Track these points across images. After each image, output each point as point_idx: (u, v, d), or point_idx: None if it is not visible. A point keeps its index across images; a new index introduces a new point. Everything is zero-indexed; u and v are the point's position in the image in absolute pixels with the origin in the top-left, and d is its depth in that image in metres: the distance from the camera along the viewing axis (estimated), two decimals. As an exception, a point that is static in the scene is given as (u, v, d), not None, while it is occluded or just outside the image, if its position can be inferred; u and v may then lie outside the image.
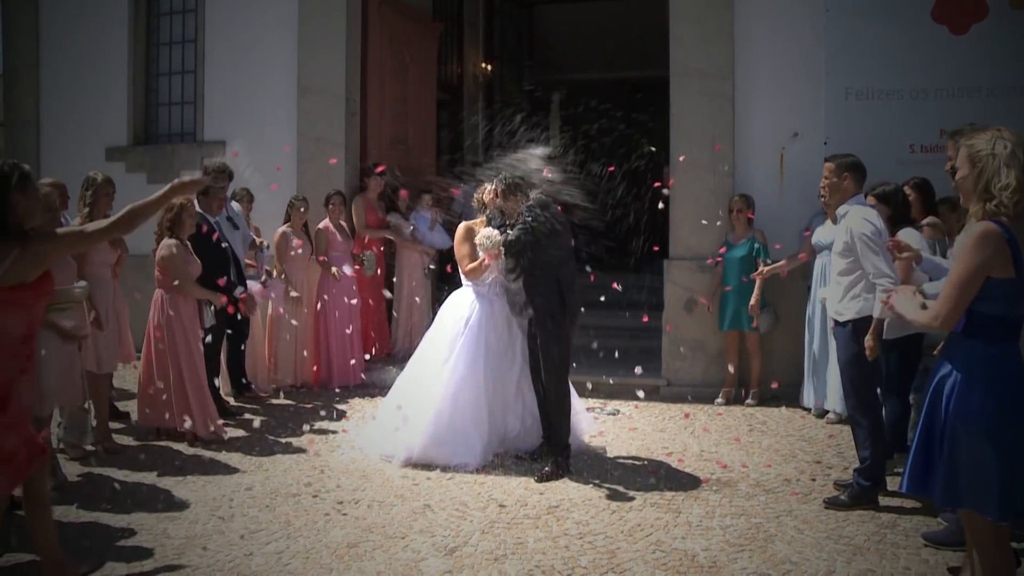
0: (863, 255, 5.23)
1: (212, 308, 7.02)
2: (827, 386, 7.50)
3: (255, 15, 10.20)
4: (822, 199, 6.47)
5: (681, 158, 8.53)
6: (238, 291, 7.36)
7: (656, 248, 7.60)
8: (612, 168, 9.52)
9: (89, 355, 6.27)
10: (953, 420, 3.44)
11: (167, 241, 6.79)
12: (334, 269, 8.85)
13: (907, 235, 5.78)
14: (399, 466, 6.13)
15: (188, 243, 6.95)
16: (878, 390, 5.68)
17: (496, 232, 6.11)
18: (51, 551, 4.14)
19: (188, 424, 6.69)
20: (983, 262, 3.35)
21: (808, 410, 7.78)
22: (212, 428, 6.90)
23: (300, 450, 6.70)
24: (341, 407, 8.08)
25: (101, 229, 4.18)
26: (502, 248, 6.08)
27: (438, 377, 6.24)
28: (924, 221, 6.33)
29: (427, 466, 6.11)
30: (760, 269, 7.81)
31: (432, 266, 10.03)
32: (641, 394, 7.51)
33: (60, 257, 4.12)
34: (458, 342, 6.26)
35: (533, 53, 15.69)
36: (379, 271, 9.45)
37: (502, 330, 6.40)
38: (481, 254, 6.18)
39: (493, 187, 6.35)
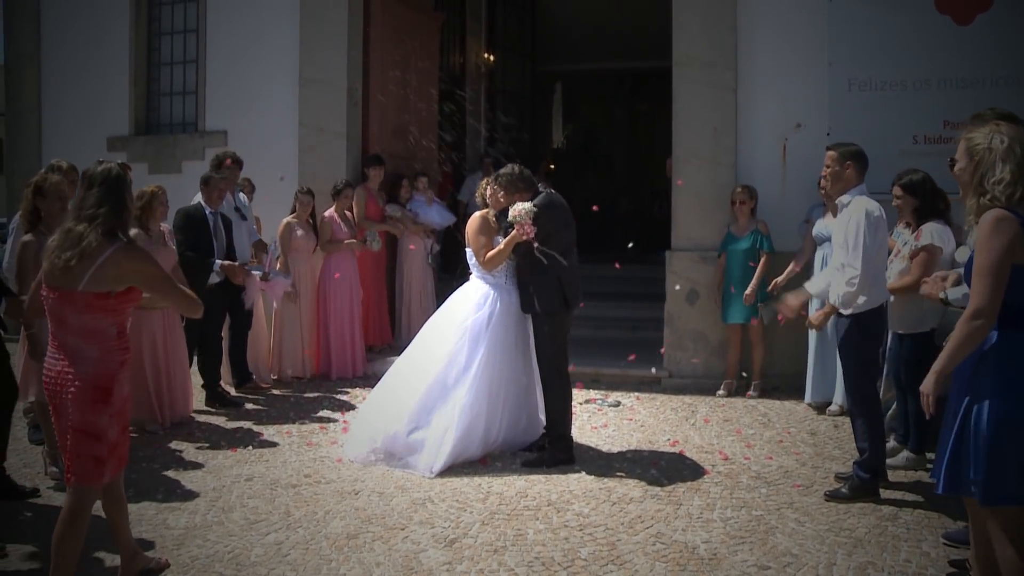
0: (851, 241, 5.21)
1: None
2: (833, 378, 7.46)
3: (257, 4, 10.17)
4: (822, 190, 6.43)
5: (679, 182, 8.54)
6: (216, 265, 7.31)
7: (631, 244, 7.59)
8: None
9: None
10: (992, 414, 3.34)
11: (132, 231, 6.78)
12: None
13: (933, 228, 5.72)
14: (425, 478, 5.82)
15: (163, 231, 7.01)
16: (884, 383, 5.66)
17: (528, 204, 6.03)
18: (126, 543, 4.26)
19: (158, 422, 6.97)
20: (1006, 245, 3.28)
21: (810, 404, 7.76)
22: (181, 416, 7.15)
23: (300, 441, 6.69)
24: (341, 398, 8.09)
25: (182, 296, 4.19)
26: (534, 214, 5.95)
27: (455, 375, 6.09)
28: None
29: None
30: (772, 281, 7.79)
31: (437, 246, 10.04)
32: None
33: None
34: (483, 338, 6.11)
35: (536, 43, 15.64)
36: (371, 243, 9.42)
37: (519, 322, 6.32)
38: (513, 230, 6.02)
39: (494, 183, 6.30)
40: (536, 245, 5.99)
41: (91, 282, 3.81)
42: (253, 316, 8.29)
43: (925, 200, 5.77)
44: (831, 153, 5.50)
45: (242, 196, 8.36)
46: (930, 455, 6.00)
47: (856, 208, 5.28)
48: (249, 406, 7.78)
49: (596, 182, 16.98)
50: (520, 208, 5.98)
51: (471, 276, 6.45)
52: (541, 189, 6.30)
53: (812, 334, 7.63)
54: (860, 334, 5.31)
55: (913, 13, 8.15)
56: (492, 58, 14.24)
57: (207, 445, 6.60)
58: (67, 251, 3.81)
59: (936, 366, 3.46)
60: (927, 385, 3.47)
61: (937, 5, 8.10)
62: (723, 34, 8.54)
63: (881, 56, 8.22)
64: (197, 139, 10.46)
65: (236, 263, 7.66)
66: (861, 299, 5.24)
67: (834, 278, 5.37)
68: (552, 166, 14.98)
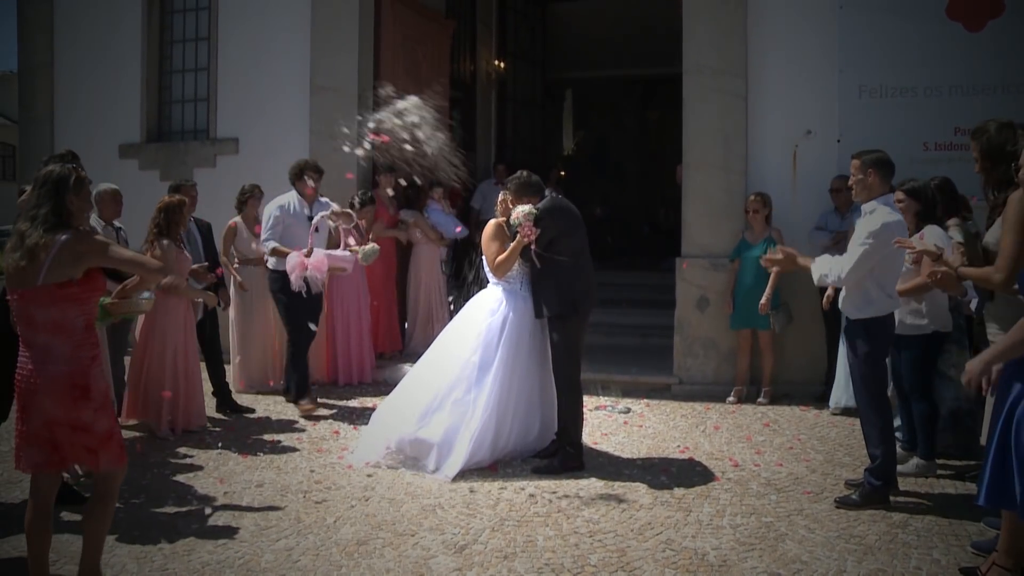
0: (855, 246, 5.23)
1: (201, 300, 7.09)
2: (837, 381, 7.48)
3: (268, 12, 10.21)
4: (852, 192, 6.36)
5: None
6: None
7: None
8: None
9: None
10: None
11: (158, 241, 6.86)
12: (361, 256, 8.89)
13: (931, 232, 5.72)
14: (442, 482, 5.85)
15: (182, 239, 7.06)
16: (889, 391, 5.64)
17: (529, 206, 6.05)
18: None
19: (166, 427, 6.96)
20: None
21: (822, 408, 7.74)
22: (195, 425, 7.17)
23: (311, 447, 6.71)
24: (351, 404, 8.11)
25: (136, 261, 4.30)
26: (536, 217, 5.98)
27: (468, 381, 6.12)
28: (948, 222, 6.14)
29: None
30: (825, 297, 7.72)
31: (445, 258, 10.05)
32: None
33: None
34: (496, 344, 6.14)
35: (546, 51, 15.66)
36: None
37: (534, 329, 6.32)
38: (518, 235, 6.05)
39: (504, 189, 6.37)
40: (534, 248, 6.03)
41: (50, 273, 3.85)
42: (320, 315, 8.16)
43: (926, 204, 5.83)
44: (855, 161, 5.49)
45: (324, 199, 8.20)
46: (940, 460, 6.00)
47: (876, 217, 5.25)
48: (260, 412, 7.80)
49: (607, 189, 17.00)
50: (520, 211, 6.04)
51: (488, 283, 6.48)
52: (548, 194, 6.32)
53: (841, 341, 7.60)
54: (869, 341, 5.29)
55: (923, 20, 8.14)
56: (503, 65, 14.26)
57: (218, 451, 6.61)
58: (16, 252, 3.89)
59: (986, 355, 3.32)
60: (973, 365, 3.32)
61: (948, 12, 8.09)
62: (733, 41, 8.53)
63: (891, 63, 8.22)
64: (208, 146, 10.51)
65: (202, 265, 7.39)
66: (845, 295, 5.41)
67: (834, 261, 5.38)
68: (563, 173, 15.00)
